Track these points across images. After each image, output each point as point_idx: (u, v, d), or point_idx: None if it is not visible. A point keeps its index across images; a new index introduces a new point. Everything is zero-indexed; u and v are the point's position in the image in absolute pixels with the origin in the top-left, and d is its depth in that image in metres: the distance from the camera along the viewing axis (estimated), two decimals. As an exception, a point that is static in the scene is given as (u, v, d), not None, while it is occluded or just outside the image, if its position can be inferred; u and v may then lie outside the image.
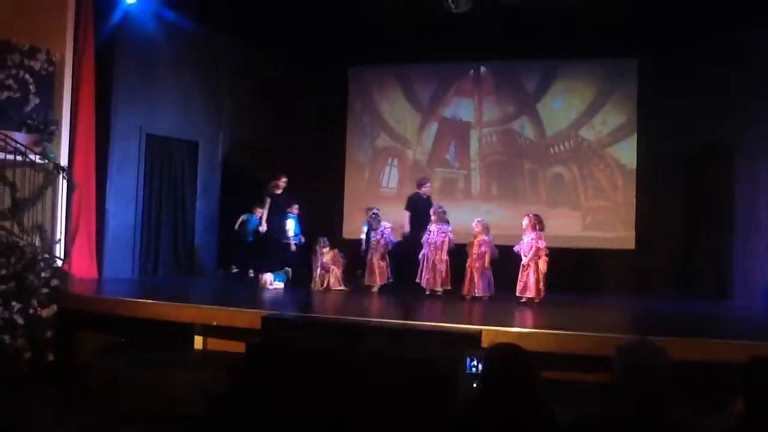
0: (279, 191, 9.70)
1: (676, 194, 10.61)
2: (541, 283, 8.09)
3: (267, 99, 11.75)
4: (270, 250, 9.71)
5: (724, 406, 2.76)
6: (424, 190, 9.62)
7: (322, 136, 12.34)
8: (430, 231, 8.85)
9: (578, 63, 11.45)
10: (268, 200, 9.63)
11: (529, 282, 8.10)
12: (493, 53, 11.37)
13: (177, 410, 5.48)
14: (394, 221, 9.69)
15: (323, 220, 11.41)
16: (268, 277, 9.21)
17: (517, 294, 8.15)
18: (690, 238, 10.53)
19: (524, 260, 8.16)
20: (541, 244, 8.16)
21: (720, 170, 9.75)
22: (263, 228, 9.63)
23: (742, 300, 8.90)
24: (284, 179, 9.75)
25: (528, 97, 11.68)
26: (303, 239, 10.39)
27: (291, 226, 10.24)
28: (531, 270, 8.11)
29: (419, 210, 9.22)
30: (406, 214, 9.37)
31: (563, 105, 11.54)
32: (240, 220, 10.95)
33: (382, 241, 9.33)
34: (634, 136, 11.08)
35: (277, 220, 9.70)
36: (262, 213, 9.71)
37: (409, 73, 12.31)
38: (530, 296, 8.06)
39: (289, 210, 10.18)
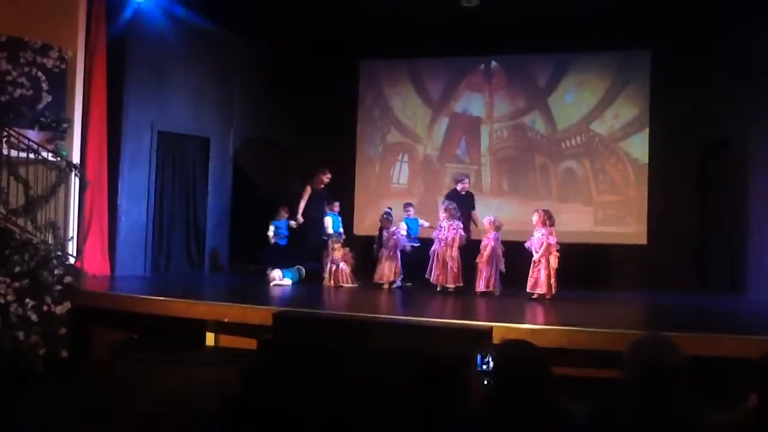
0: (321, 186, 9.71)
1: (689, 188, 10.50)
2: (553, 279, 8.05)
3: (278, 95, 11.74)
4: (302, 245, 9.72)
5: (738, 402, 2.73)
6: (461, 186, 9.54)
7: (332, 132, 12.29)
8: (441, 227, 8.83)
9: (590, 56, 11.35)
10: (309, 190, 9.62)
11: (540, 278, 8.07)
12: (504, 47, 11.29)
13: (189, 407, 5.50)
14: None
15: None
16: (275, 273, 9.21)
17: (528, 290, 8.12)
18: (703, 233, 10.44)
19: (535, 256, 8.12)
20: (552, 239, 8.12)
21: (733, 164, 9.68)
22: (299, 220, 9.66)
23: (756, 294, 8.83)
24: (329, 175, 9.78)
25: (539, 92, 11.60)
26: (344, 237, 10.02)
27: (329, 223, 10.05)
28: (542, 266, 8.07)
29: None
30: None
31: (575, 99, 11.45)
32: (270, 232, 10.54)
33: (391, 242, 9.31)
34: (647, 130, 10.95)
35: (312, 213, 9.69)
36: (298, 205, 9.67)
37: (419, 68, 12.25)
38: (541, 292, 8.03)
39: (329, 208, 10.13)
